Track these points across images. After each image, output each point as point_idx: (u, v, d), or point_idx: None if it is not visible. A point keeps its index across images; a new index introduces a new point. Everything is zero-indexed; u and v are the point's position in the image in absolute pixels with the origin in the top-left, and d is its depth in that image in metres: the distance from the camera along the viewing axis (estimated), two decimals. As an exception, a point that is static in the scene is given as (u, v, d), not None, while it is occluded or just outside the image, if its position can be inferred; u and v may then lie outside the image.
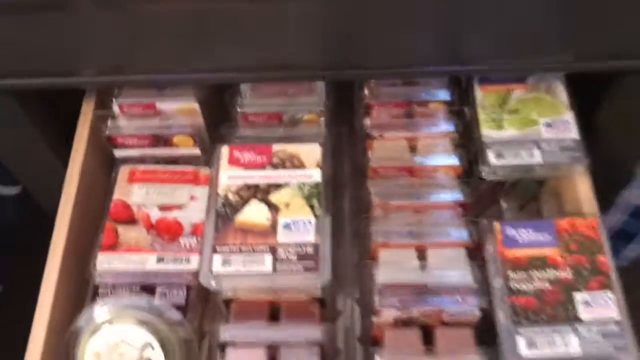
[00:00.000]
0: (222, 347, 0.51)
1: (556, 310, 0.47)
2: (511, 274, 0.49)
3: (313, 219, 0.50)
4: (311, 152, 0.53)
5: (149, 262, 0.54)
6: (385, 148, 0.58)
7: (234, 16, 0.50)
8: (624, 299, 0.48)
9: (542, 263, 0.49)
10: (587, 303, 0.47)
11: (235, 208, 0.51)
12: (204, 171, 0.60)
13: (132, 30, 0.52)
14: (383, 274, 0.51)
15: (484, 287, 0.50)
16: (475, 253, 0.53)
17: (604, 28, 0.51)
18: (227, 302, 0.52)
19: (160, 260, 0.55)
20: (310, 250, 0.49)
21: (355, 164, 0.60)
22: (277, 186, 0.52)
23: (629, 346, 0.46)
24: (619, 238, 1.09)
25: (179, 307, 0.54)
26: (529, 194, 0.63)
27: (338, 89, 0.65)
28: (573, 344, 0.46)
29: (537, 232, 0.51)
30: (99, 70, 0.55)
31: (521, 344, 0.46)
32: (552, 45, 0.54)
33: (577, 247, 0.50)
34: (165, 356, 0.50)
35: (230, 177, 0.52)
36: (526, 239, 0.51)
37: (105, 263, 0.54)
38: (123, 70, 0.56)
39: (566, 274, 0.49)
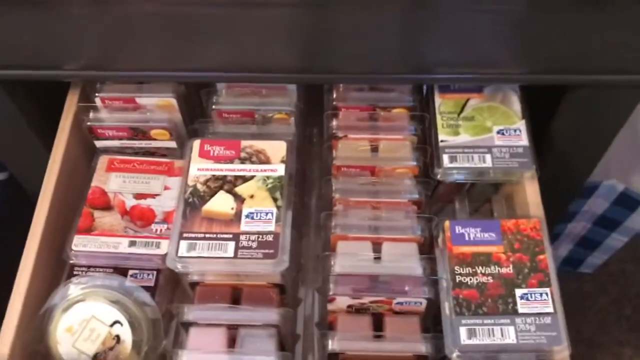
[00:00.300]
0: (186, 326, 0.54)
1: (497, 304, 0.51)
2: (457, 269, 0.53)
3: (275, 210, 0.54)
4: (277, 149, 0.57)
5: (122, 246, 0.58)
6: (349, 148, 0.62)
7: (213, 20, 0.54)
8: (559, 295, 0.52)
9: (486, 259, 0.53)
10: (526, 298, 0.51)
11: (203, 198, 0.55)
12: (179, 163, 0.63)
13: (115, 28, 0.55)
14: (339, 264, 0.55)
15: (432, 280, 0.54)
16: (426, 248, 0.57)
17: (554, 44, 0.55)
18: (194, 285, 0.56)
19: (132, 244, 0.58)
20: (270, 238, 0.53)
21: (322, 162, 0.64)
22: (244, 179, 0.56)
23: (560, 338, 0.50)
24: (584, 246, 1.13)
25: (148, 289, 0.58)
26: (484, 197, 0.67)
27: (312, 92, 0.69)
28: (510, 335, 0.50)
29: (483, 231, 0.55)
30: (82, 65, 0.59)
31: (462, 333, 0.50)
32: (508, 59, 0.58)
33: (520, 246, 0.54)
34: (133, 333, 0.54)
35: (199, 168, 0.56)
36: (473, 237, 0.55)
37: (81, 245, 0.58)
38: (106, 66, 0.59)
39: (508, 270, 0.53)
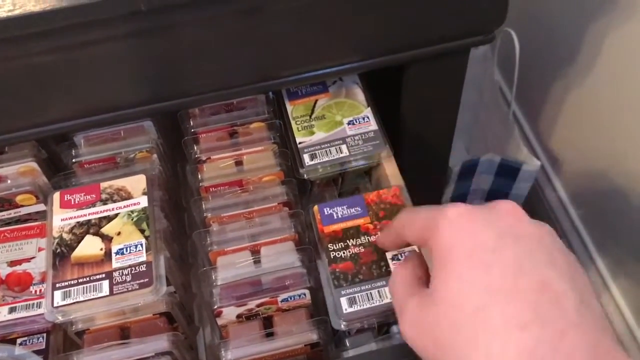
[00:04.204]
0: (80, 376, 0.53)
1: (371, 269, 0.53)
2: (330, 246, 0.55)
3: (143, 241, 0.55)
4: (137, 183, 0.58)
5: (2, 314, 0.57)
6: (214, 168, 0.64)
7: (52, 69, 0.54)
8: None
9: (356, 232, 0.56)
10: (397, 258, 0.54)
11: (71, 246, 0.55)
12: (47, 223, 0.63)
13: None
14: (221, 277, 0.56)
15: (311, 270, 0.56)
16: (303, 243, 0.59)
17: (381, 28, 0.59)
18: (80, 335, 0.55)
19: (12, 310, 0.57)
20: (143, 268, 0.53)
21: (194, 188, 0.65)
22: (108, 218, 0.56)
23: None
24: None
25: (40, 352, 0.57)
26: (355, 185, 0.70)
27: (176, 128, 0.71)
28: (388, 295, 0.52)
29: (350, 207, 0.57)
30: None
31: (344, 303, 0.51)
32: (339, 50, 0.62)
33: (385, 213, 0.57)
34: (28, 399, 0.53)
35: (62, 219, 0.56)
36: (341, 214, 0.57)
37: (-42, 324, 0.56)
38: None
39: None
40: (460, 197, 1.08)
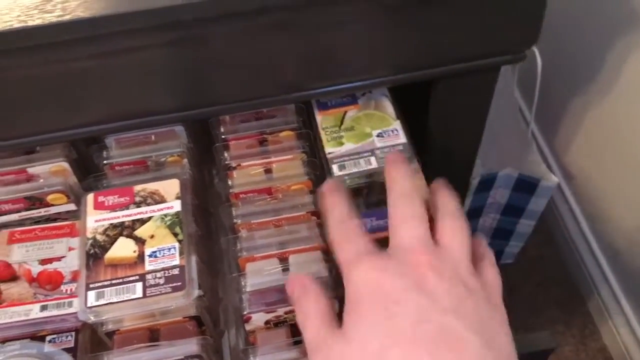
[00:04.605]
0: (109, 376, 0.54)
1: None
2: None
3: (177, 245, 0.56)
4: (170, 187, 0.59)
5: (33, 312, 0.58)
6: (244, 175, 0.65)
7: (88, 73, 0.55)
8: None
9: (384, 243, 0.56)
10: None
11: (104, 247, 0.56)
12: (80, 224, 0.64)
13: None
14: (250, 283, 0.57)
15: (339, 279, 0.57)
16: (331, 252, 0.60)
17: (408, 43, 0.60)
18: (110, 335, 0.56)
19: (44, 308, 0.58)
20: (176, 271, 0.54)
21: (221, 195, 0.66)
22: (141, 221, 0.57)
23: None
24: (499, 237, 1.19)
25: (69, 350, 0.58)
26: (381, 197, 0.70)
27: (203, 134, 0.72)
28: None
29: (378, 219, 0.59)
30: (-36, 143, 0.59)
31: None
32: (371, 64, 0.63)
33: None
34: (57, 396, 0.54)
35: (96, 220, 0.57)
36: (369, 226, 0.58)
37: (-10, 320, 0.57)
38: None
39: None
40: (477, 210, 1.09)
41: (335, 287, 0.56)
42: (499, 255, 1.23)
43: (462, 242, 0.46)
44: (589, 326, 1.18)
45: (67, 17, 0.47)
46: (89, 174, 0.67)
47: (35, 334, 0.59)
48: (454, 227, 0.47)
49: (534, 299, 1.23)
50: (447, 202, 0.50)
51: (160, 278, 0.54)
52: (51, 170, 0.66)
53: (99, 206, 0.58)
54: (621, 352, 1.11)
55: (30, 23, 0.46)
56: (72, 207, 0.67)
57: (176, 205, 0.58)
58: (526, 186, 1.03)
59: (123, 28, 0.49)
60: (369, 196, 0.71)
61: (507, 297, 1.19)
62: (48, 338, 0.59)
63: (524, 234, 1.15)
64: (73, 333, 0.59)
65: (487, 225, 1.14)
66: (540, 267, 1.26)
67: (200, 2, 0.48)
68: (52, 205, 0.66)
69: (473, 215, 1.10)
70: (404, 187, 0.50)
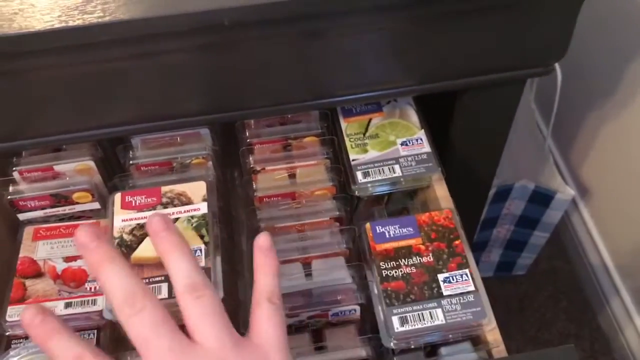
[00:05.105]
0: (133, 374, 0.55)
1: (423, 290, 0.54)
2: (382, 264, 0.56)
3: (203, 247, 0.56)
4: (197, 189, 0.60)
5: (58, 308, 0.58)
6: (268, 179, 0.66)
7: (117, 74, 0.56)
8: (478, 274, 0.56)
9: (407, 252, 0.57)
10: (448, 281, 0.55)
11: (131, 246, 0.56)
12: (104, 222, 0.65)
13: (23, 98, 0.57)
14: (273, 288, 0.57)
15: (362, 286, 0.57)
16: (353, 259, 0.60)
17: (437, 54, 0.61)
18: (134, 334, 0.57)
19: (68, 305, 0.59)
20: (202, 273, 0.54)
21: (245, 197, 0.67)
22: (168, 222, 0.58)
23: (484, 311, 0.53)
24: (512, 248, 1.19)
25: (90, 349, 0.58)
26: (401, 206, 0.71)
27: (226, 137, 0.72)
28: (439, 316, 0.53)
29: (402, 227, 0.59)
30: (-5, 139, 0.60)
31: (395, 322, 0.53)
32: (398, 73, 0.63)
33: (436, 235, 0.58)
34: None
35: (123, 219, 0.58)
36: (393, 233, 0.58)
37: (15, 315, 0.58)
38: (18, 136, 0.61)
39: (429, 259, 0.56)
40: (491, 220, 1.09)
41: (360, 294, 0.56)
42: (511, 266, 1.24)
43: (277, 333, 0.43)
44: (599, 340, 1.18)
45: (107, 19, 0.47)
46: (114, 173, 0.68)
47: (58, 331, 0.59)
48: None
49: (544, 311, 1.23)
50: (267, 283, 0.46)
51: (186, 279, 0.54)
52: (77, 169, 0.66)
53: (126, 206, 0.59)
54: (631, 367, 1.11)
55: (71, 23, 0.47)
56: (96, 205, 0.67)
57: (203, 207, 0.59)
58: (542, 198, 1.03)
59: (161, 31, 0.49)
60: (389, 204, 0.71)
61: (518, 308, 1.19)
62: (71, 335, 0.59)
63: (537, 246, 1.16)
64: (95, 331, 0.60)
65: (501, 236, 1.14)
66: (552, 279, 1.26)
67: (238, 8, 0.49)
68: (77, 203, 0.66)
69: (487, 226, 1.10)
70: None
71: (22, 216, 0.66)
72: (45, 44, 0.48)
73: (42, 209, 0.66)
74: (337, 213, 0.62)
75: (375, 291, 0.56)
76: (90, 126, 0.61)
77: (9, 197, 0.65)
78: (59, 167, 0.66)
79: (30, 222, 0.67)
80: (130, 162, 0.66)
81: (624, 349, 1.13)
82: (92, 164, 0.66)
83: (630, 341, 1.12)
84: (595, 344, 1.18)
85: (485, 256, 1.21)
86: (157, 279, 0.54)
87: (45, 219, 0.67)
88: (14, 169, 0.65)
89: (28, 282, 0.60)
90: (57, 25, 0.47)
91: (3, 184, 0.65)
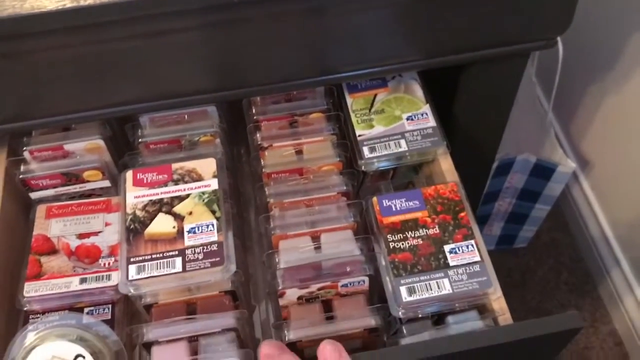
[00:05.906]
0: (148, 347, 0.56)
1: (429, 261, 0.56)
2: (390, 237, 0.57)
3: (215, 222, 0.57)
4: (207, 165, 0.61)
5: (73, 284, 0.60)
6: (275, 155, 0.66)
7: (124, 54, 0.57)
8: (483, 244, 0.57)
9: (414, 224, 0.58)
10: (454, 252, 0.56)
11: (144, 222, 0.57)
12: (115, 200, 0.66)
13: (33, 77, 0.58)
14: (284, 260, 0.59)
15: (370, 258, 0.59)
16: (360, 232, 0.62)
17: (441, 28, 0.61)
18: (148, 308, 0.58)
19: (83, 280, 0.60)
20: (214, 247, 0.56)
21: (253, 174, 0.68)
22: (180, 198, 0.59)
23: (490, 281, 0.55)
24: (514, 221, 1.21)
25: (106, 322, 0.59)
26: (407, 180, 0.72)
27: (233, 114, 0.73)
28: (445, 286, 0.54)
29: (408, 201, 0.60)
30: (5, 119, 0.61)
31: (403, 292, 0.54)
32: (403, 49, 0.64)
33: (442, 208, 0.59)
34: (97, 365, 0.55)
35: (136, 196, 0.59)
36: (399, 207, 0.60)
37: (32, 291, 0.59)
38: (28, 115, 0.61)
39: (435, 231, 0.58)
40: (493, 194, 1.11)
41: (368, 265, 0.57)
42: (512, 239, 1.25)
43: None
44: (600, 310, 1.20)
45: (113, -2, 0.48)
46: (123, 151, 0.69)
47: (73, 306, 0.60)
48: None
49: (546, 282, 1.25)
50: None
51: (199, 253, 0.55)
52: (86, 148, 0.67)
53: (138, 183, 0.60)
54: (632, 335, 1.13)
55: (82, 3, 0.47)
56: (106, 183, 0.68)
57: (213, 184, 0.60)
58: (543, 171, 1.05)
59: (171, 9, 0.50)
60: (394, 178, 0.72)
61: (520, 280, 1.20)
62: (86, 310, 0.61)
63: (538, 219, 1.17)
64: (110, 306, 0.61)
65: (502, 209, 1.15)
66: (553, 251, 1.27)
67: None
68: (88, 181, 0.67)
69: (489, 200, 1.11)
70: None
71: (33, 195, 0.68)
72: (57, 24, 0.49)
73: (54, 187, 0.67)
74: (344, 188, 0.63)
75: (383, 263, 0.57)
76: (99, 105, 0.62)
77: (20, 176, 0.66)
78: (68, 146, 0.67)
79: (42, 200, 0.68)
80: (139, 140, 0.67)
81: (624, 317, 1.15)
82: (101, 142, 0.67)
83: (629, 311, 1.14)
84: (595, 313, 1.20)
85: (487, 229, 1.22)
86: (171, 253, 0.56)
87: (57, 197, 0.68)
88: (24, 148, 0.66)
89: (43, 259, 0.61)
90: (68, 5, 0.47)
91: (14, 164, 0.66)
